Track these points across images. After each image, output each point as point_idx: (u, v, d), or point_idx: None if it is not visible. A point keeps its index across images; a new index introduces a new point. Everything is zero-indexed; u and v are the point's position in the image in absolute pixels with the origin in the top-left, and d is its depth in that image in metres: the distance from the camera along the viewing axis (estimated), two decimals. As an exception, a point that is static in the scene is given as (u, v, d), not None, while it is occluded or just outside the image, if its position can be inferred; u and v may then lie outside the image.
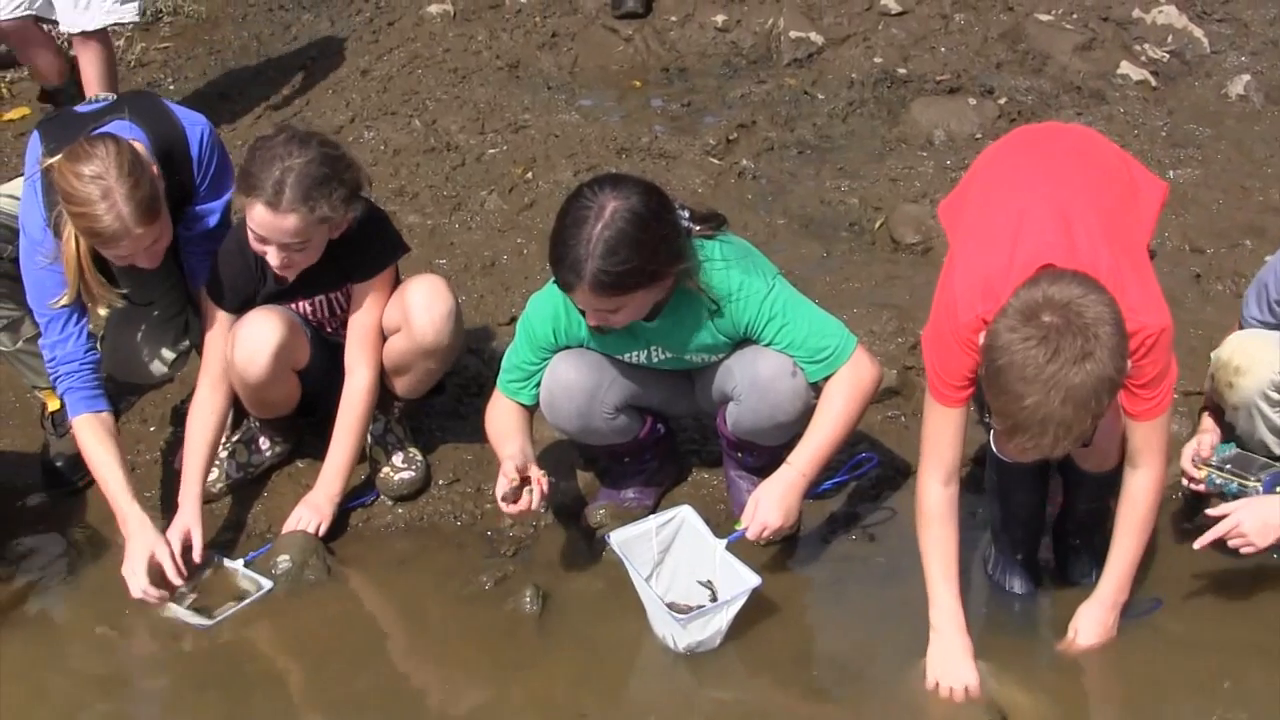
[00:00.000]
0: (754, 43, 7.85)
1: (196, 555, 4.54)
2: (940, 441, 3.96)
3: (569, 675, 4.19)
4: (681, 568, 4.32)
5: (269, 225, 4.28)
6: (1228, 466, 4.33)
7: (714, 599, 4.22)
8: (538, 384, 4.38)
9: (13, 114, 7.32)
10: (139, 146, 4.35)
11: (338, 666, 4.29)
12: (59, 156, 4.26)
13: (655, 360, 4.35)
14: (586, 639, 4.30)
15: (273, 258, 4.36)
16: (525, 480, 4.21)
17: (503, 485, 4.21)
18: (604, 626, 4.33)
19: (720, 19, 7.96)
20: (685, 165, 6.63)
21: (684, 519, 4.34)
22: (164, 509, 4.78)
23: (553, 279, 4.12)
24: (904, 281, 5.80)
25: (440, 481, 4.93)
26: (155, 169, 4.34)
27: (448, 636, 4.41)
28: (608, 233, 3.90)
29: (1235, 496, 4.27)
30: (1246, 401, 4.32)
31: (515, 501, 4.20)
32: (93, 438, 4.55)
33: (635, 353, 4.33)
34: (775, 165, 6.74)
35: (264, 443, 4.96)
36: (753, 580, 4.12)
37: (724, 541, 4.23)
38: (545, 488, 4.24)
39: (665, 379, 4.49)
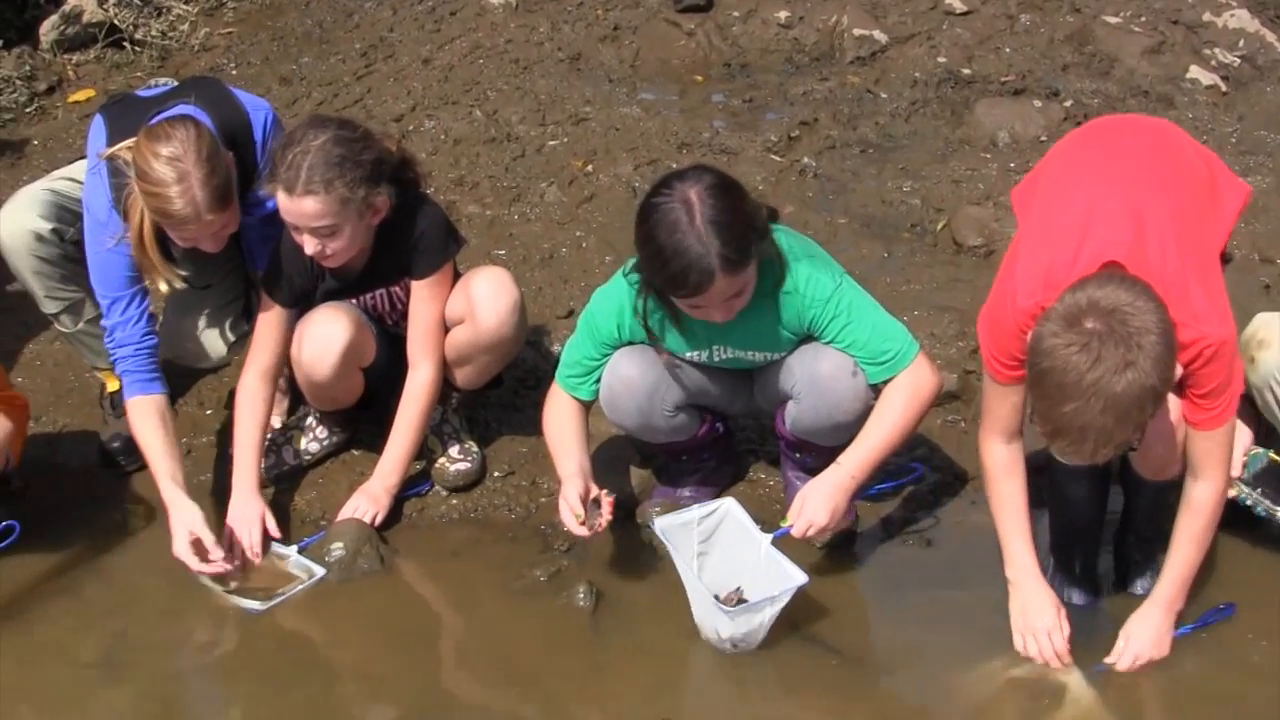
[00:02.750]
0: (817, 39, 7.79)
1: (274, 530, 4.58)
2: (999, 409, 3.99)
3: (621, 673, 4.17)
4: (723, 561, 4.28)
5: (291, 210, 4.31)
6: (1260, 489, 4.28)
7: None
8: (597, 380, 4.37)
9: (78, 95, 7.36)
10: None
11: (388, 655, 4.29)
12: (140, 134, 4.29)
13: (717, 359, 4.32)
14: (639, 637, 4.28)
15: (308, 245, 4.37)
16: (587, 502, 4.24)
17: (566, 512, 4.23)
18: (657, 624, 4.30)
19: (783, 15, 7.90)
20: (746, 162, 6.59)
21: (728, 511, 4.29)
22: (219, 492, 4.79)
23: (627, 280, 4.15)
24: (966, 284, 5.75)
25: (495, 474, 4.92)
26: (230, 156, 4.36)
27: (499, 630, 4.39)
28: (709, 213, 3.86)
29: (1264, 520, 4.27)
30: (1265, 379, 4.24)
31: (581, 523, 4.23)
32: (143, 420, 4.57)
33: (698, 351, 4.30)
34: (837, 164, 6.69)
35: (321, 431, 4.96)
36: (799, 578, 4.07)
37: (769, 537, 4.18)
38: (611, 509, 4.27)
39: (725, 378, 4.45)
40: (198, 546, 4.41)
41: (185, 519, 4.44)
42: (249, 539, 4.55)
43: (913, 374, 4.21)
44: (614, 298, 4.28)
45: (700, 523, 4.28)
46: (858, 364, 4.23)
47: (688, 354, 4.32)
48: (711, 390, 4.47)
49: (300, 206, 4.27)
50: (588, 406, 4.44)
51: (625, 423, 4.48)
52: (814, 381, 4.27)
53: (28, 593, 4.50)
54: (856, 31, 7.71)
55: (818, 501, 4.20)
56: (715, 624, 4.11)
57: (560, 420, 4.42)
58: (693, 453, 4.63)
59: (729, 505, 4.31)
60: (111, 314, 4.57)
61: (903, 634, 4.33)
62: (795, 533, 4.20)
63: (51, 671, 4.25)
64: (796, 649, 4.19)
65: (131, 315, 4.56)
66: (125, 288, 4.54)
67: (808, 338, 4.27)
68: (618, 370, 4.34)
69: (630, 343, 4.33)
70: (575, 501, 4.22)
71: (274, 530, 4.60)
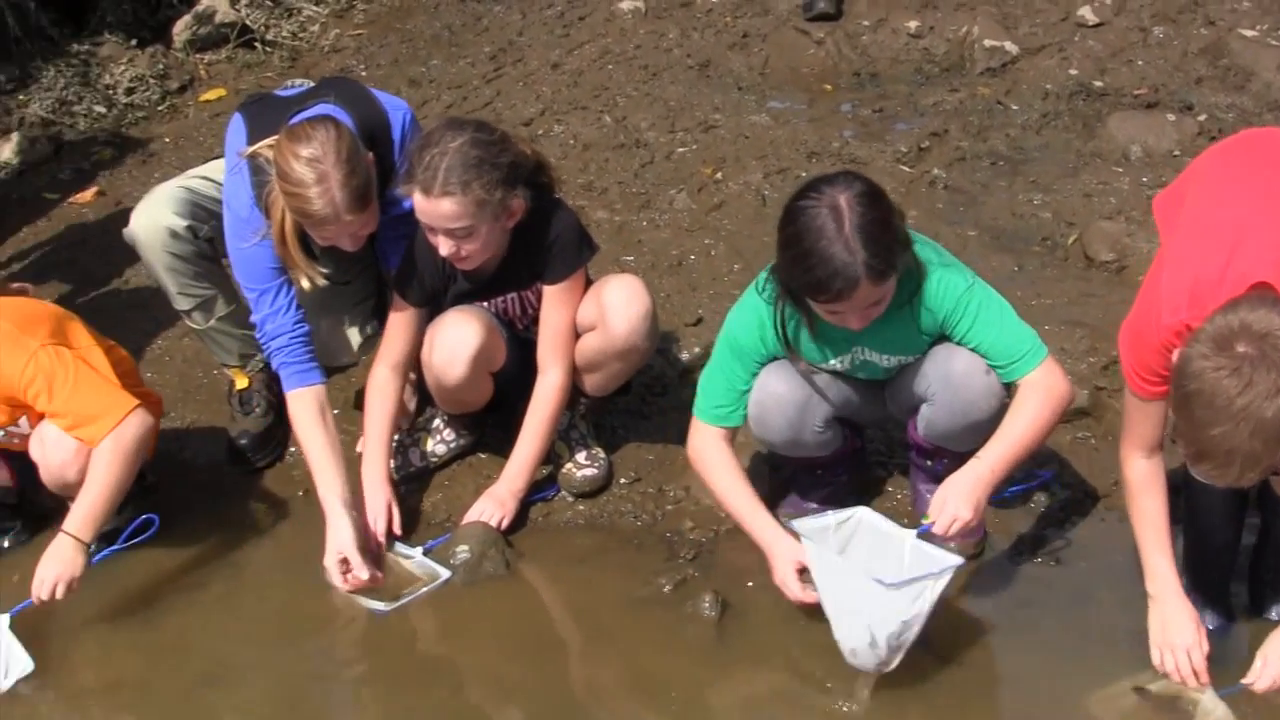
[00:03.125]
0: (947, 50, 7.73)
1: (397, 528, 4.63)
2: (1140, 423, 3.92)
3: (748, 685, 4.15)
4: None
5: (427, 211, 4.31)
6: None
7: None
8: (746, 405, 4.32)
9: (209, 95, 7.47)
10: None
11: (512, 660, 4.30)
12: (281, 133, 4.35)
13: (856, 363, 4.27)
14: (766, 648, 4.24)
15: (443, 247, 4.37)
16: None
17: (792, 581, 4.19)
18: (782, 635, 4.26)
19: (913, 25, 7.85)
20: (876, 172, 6.52)
21: (861, 519, 4.17)
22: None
23: (760, 295, 4.10)
24: (1097, 300, 5.66)
25: (621, 480, 4.90)
26: (370, 157, 4.38)
27: (623, 637, 4.37)
28: (858, 221, 3.82)
29: None
30: None
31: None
32: (303, 416, 4.62)
33: (840, 358, 4.25)
34: (967, 175, 6.63)
35: (449, 434, 4.97)
36: (956, 559, 3.97)
37: (914, 532, 4.06)
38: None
39: (860, 386, 4.41)
40: (345, 565, 4.45)
41: (338, 539, 4.48)
42: (374, 527, 4.58)
43: (1045, 375, 4.15)
44: (751, 313, 4.22)
45: (836, 529, 4.16)
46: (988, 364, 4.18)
47: (829, 361, 4.27)
48: (853, 400, 4.42)
49: (437, 208, 4.28)
50: (734, 435, 4.37)
51: (774, 439, 4.43)
52: (948, 380, 4.22)
53: (154, 589, 4.56)
54: (987, 42, 7.63)
55: (960, 497, 4.07)
56: (869, 622, 3.94)
57: (722, 467, 4.34)
58: (829, 467, 4.58)
59: (862, 513, 4.19)
60: (260, 307, 4.61)
61: (1030, 650, 4.26)
62: (938, 529, 4.06)
63: (176, 667, 4.30)
64: (921, 665, 4.12)
65: (281, 305, 4.60)
66: (271, 279, 4.58)
67: (941, 338, 4.22)
68: (767, 387, 4.29)
69: (774, 358, 4.27)
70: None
71: (397, 525, 4.63)
